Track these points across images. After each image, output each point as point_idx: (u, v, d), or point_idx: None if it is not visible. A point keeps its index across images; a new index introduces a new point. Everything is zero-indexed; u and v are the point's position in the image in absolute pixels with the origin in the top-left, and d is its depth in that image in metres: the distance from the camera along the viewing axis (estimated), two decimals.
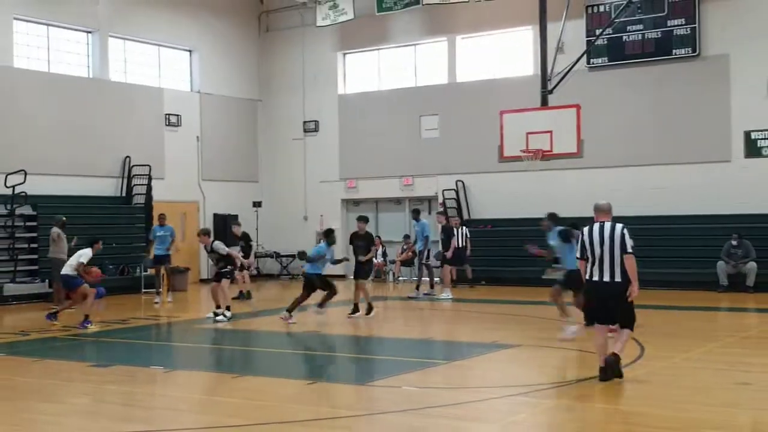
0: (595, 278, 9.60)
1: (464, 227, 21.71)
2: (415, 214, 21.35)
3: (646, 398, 8.85)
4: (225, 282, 16.22)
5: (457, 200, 24.71)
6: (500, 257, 23.15)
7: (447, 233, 20.97)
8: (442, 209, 23.38)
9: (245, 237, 20.85)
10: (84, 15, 23.36)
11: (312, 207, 27.53)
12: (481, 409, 8.53)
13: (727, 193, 21.00)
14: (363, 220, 16.82)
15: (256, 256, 23.99)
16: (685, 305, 17.64)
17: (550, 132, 17.77)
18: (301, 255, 16.11)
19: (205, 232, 16.85)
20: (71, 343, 13.81)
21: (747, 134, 21.21)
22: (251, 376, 10.53)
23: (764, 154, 21.04)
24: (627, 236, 9.61)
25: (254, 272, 24.45)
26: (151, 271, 21.77)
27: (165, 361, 12.12)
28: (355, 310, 16.09)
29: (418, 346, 13.32)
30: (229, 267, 16.44)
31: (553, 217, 13.94)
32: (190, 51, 26.76)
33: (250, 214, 26.54)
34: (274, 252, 27.29)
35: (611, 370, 9.37)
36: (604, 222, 9.75)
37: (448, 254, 20.72)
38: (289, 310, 15.25)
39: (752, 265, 19.71)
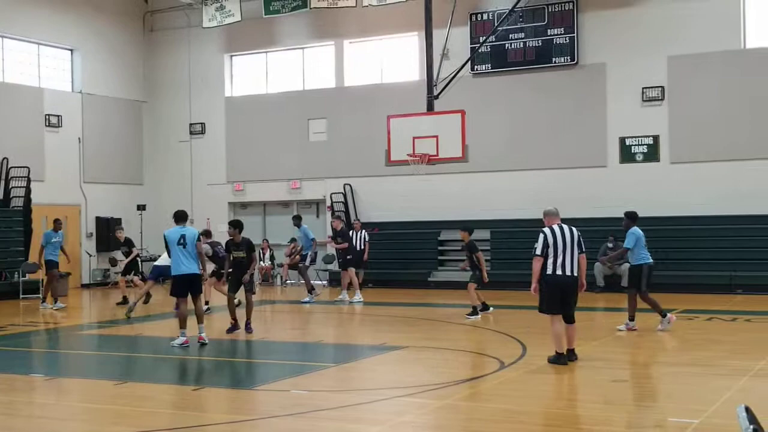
0: (558, 273, 10.62)
1: (363, 231, 21.79)
2: (296, 220, 21.27)
3: (529, 396, 9.14)
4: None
5: (345, 203, 24.84)
6: (387, 260, 23.39)
7: (343, 236, 20.99)
8: (337, 214, 23.24)
9: (128, 242, 20.46)
10: None
11: (199, 210, 27.16)
12: (368, 411, 8.63)
13: (604, 196, 21.81)
14: (234, 225, 14.69)
15: (141, 261, 23.48)
16: None
17: (436, 137, 18.05)
18: None
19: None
20: None
21: (622, 140, 22.09)
22: (135, 383, 10.36)
23: (638, 159, 21.96)
24: (581, 237, 10.85)
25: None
26: (40, 277, 20.91)
27: (46, 369, 11.80)
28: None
29: (307, 350, 13.35)
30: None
31: (631, 216, 14.13)
32: (71, 50, 26.07)
33: (135, 218, 26.04)
34: (159, 256, 26.77)
35: (569, 356, 10.73)
36: (560, 225, 10.83)
37: (344, 251, 20.67)
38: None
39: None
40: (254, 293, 14.93)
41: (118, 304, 19.67)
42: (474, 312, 16.04)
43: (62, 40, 25.66)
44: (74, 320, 18.05)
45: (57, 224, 20.12)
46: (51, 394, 10.03)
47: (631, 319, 14.02)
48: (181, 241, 12.82)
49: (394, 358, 12.03)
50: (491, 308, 16.60)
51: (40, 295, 20.19)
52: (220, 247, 17.15)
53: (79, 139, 25.66)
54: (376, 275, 23.07)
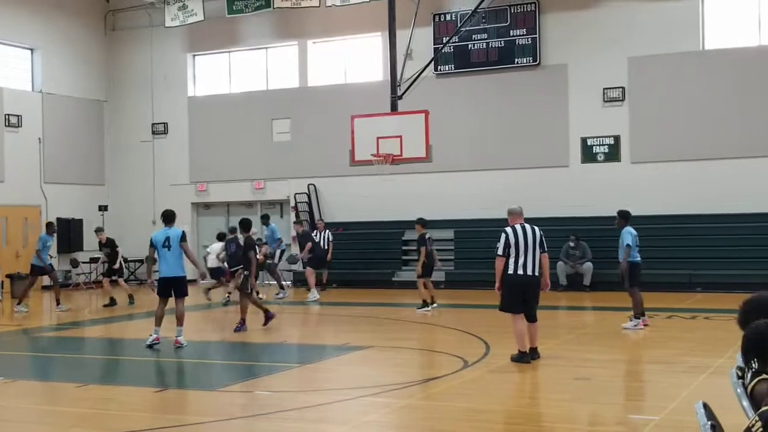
0: (520, 272, 10.66)
1: (327, 231, 21.79)
2: (264, 219, 21.42)
3: (492, 395, 9.20)
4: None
5: (309, 203, 24.80)
6: (351, 260, 23.38)
7: (304, 238, 21.09)
8: (298, 219, 23.20)
9: (111, 243, 20.31)
10: None
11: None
12: (332, 411, 8.64)
13: (566, 196, 21.99)
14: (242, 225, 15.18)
15: (125, 260, 23.44)
16: None
17: (400, 137, 18.06)
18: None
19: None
20: None
21: (584, 140, 22.28)
22: (97, 385, 10.28)
23: (599, 159, 22.16)
24: (543, 237, 10.88)
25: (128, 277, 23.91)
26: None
27: (5, 371, 11.63)
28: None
29: (271, 350, 13.32)
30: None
31: (624, 215, 14.19)
32: (31, 49, 25.76)
33: (96, 218, 25.76)
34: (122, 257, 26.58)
35: (531, 355, 10.78)
36: (523, 224, 10.87)
37: (302, 255, 20.89)
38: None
39: (589, 266, 20.74)
40: (248, 292, 14.66)
41: (105, 306, 19.42)
42: (423, 305, 16.88)
43: (22, 39, 25.35)
44: (37, 322, 17.84)
45: (51, 228, 20.01)
46: (10, 396, 9.90)
47: (641, 315, 14.02)
48: (166, 243, 12.79)
49: (357, 358, 12.04)
50: (432, 306, 16.99)
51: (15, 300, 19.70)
52: (259, 240, 19.00)
53: (39, 139, 25.36)
54: (340, 275, 23.04)
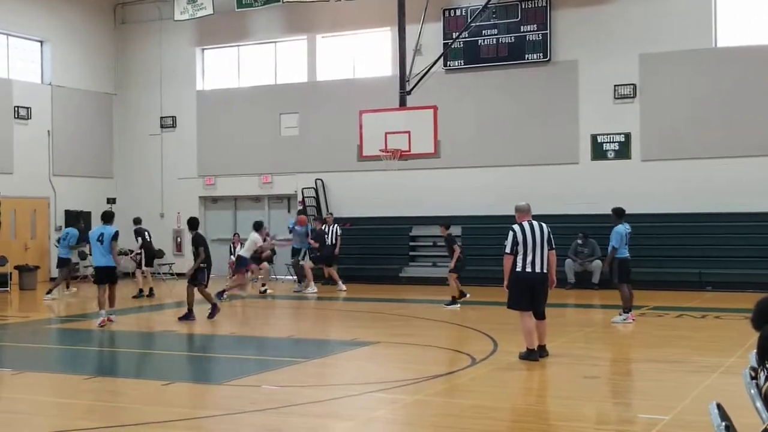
0: (528, 270, 10.62)
1: (335, 225, 21.76)
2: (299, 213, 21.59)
3: (500, 393, 9.16)
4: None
5: (317, 198, 24.77)
6: (359, 255, 23.35)
7: (319, 236, 21.23)
8: (318, 217, 23.21)
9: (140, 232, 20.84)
10: None
11: (169, 204, 27.02)
12: (339, 407, 8.61)
13: (575, 194, 21.90)
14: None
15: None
16: None
17: (408, 132, 18.04)
18: None
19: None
20: None
21: (594, 137, 22.18)
22: (104, 378, 10.27)
23: (609, 157, 22.06)
24: (551, 234, 10.85)
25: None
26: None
27: (13, 363, 11.64)
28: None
29: (278, 345, 13.30)
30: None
31: (618, 212, 14.51)
32: (41, 41, 25.77)
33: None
34: (129, 250, 26.58)
35: (540, 353, 10.73)
36: (530, 221, 10.82)
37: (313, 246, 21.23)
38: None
39: (597, 263, 20.64)
40: (198, 284, 15.47)
41: (145, 296, 19.87)
42: (452, 302, 16.99)
43: (32, 32, 25.36)
44: (43, 314, 17.85)
45: (79, 224, 21.24)
46: (18, 388, 9.89)
47: (629, 310, 14.42)
48: (100, 238, 14.94)
49: (365, 353, 12.01)
50: (462, 298, 17.26)
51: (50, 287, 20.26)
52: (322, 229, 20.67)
53: (48, 131, 25.38)
54: (347, 271, 22.99)
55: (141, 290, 19.86)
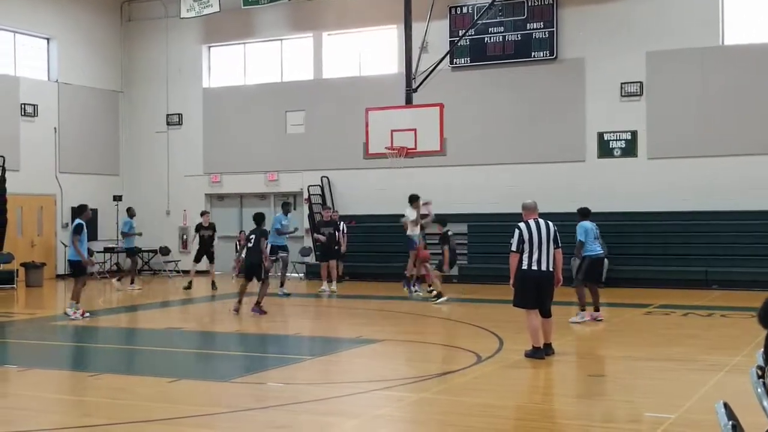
0: (534, 268, 10.58)
1: (342, 222, 21.69)
2: (286, 207, 21.23)
3: (506, 391, 9.14)
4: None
5: (322, 196, 24.76)
6: (364, 253, 23.33)
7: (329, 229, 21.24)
8: (329, 207, 23.20)
9: (212, 226, 21.82)
10: None
11: (175, 201, 27.05)
12: (345, 404, 8.61)
13: (581, 192, 21.83)
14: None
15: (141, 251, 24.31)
16: None
17: (414, 130, 18.01)
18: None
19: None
20: None
21: (600, 135, 22.13)
22: (110, 375, 10.28)
23: (615, 154, 22.02)
24: (557, 232, 10.83)
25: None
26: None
27: (19, 360, 11.67)
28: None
29: (284, 342, 13.31)
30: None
31: (582, 212, 14.76)
32: (48, 39, 25.80)
33: (111, 208, 25.84)
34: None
35: (546, 351, 10.69)
36: (537, 219, 10.77)
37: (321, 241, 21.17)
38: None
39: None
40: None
41: (184, 288, 20.69)
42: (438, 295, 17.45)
43: (38, 29, 25.40)
44: (49, 310, 17.89)
45: (131, 212, 22.33)
46: (24, 385, 9.91)
47: (596, 309, 14.64)
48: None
49: (370, 351, 12.00)
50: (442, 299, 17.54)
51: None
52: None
53: (55, 128, 25.43)
54: (352, 268, 23.02)
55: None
